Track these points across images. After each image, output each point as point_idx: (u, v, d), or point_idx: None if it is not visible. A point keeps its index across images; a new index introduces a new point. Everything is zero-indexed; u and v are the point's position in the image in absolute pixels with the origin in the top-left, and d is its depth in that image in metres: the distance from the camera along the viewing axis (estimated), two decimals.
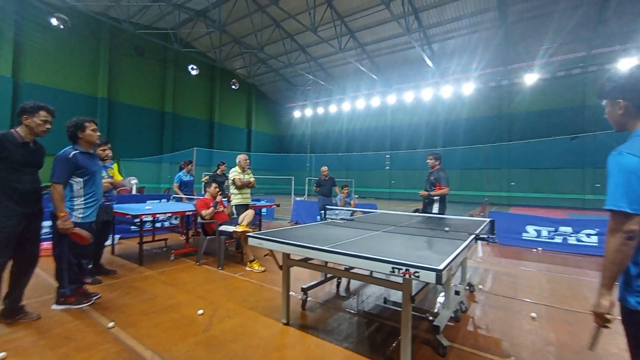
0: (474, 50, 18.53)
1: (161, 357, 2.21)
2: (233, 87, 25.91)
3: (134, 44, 19.52)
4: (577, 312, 3.16)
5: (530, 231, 6.49)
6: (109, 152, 4.04)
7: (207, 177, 7.01)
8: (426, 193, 5.07)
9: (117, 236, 5.58)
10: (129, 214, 4.35)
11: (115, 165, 4.44)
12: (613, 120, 1.46)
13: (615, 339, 2.51)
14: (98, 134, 3.16)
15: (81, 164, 2.93)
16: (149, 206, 5.36)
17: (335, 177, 8.07)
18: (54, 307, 2.95)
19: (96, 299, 3.14)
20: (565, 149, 16.14)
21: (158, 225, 6.98)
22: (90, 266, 3.78)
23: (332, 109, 25.95)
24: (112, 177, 4.07)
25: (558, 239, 6.21)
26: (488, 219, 3.54)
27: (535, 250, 6.22)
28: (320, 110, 27.05)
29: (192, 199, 6.54)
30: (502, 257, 5.60)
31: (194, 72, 22.09)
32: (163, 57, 21.26)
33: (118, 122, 18.89)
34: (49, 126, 2.73)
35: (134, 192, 11.52)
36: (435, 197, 5.01)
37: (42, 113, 2.67)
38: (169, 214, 6.07)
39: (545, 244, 6.29)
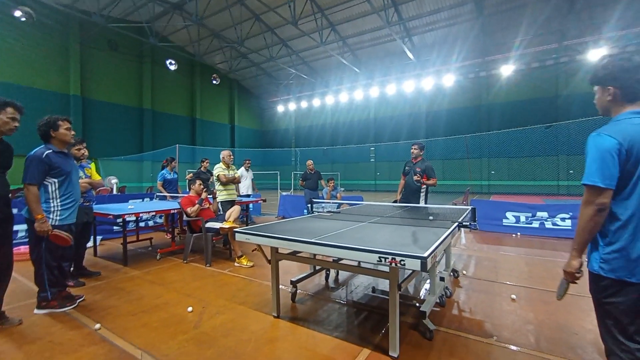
0: (452, 42, 18.84)
1: (151, 355, 2.20)
2: (214, 82, 25.33)
3: (106, 38, 18.66)
4: (553, 292, 3.34)
5: (510, 217, 6.76)
6: (84, 152, 3.88)
7: (191, 174, 6.88)
8: (419, 177, 4.90)
9: (98, 237, 5.42)
10: (110, 214, 4.23)
11: (92, 165, 4.29)
12: (601, 106, 1.59)
13: (589, 315, 2.68)
14: (72, 132, 3.03)
15: (55, 164, 2.81)
16: (132, 206, 5.22)
17: (321, 170, 8.10)
18: (37, 311, 2.86)
19: (80, 301, 3.07)
20: (540, 137, 16.79)
21: (142, 224, 6.82)
22: (72, 269, 3.67)
23: (316, 102, 25.84)
24: (89, 177, 3.94)
25: (535, 224, 6.51)
26: (470, 207, 3.66)
27: (514, 235, 6.50)
28: (304, 104, 26.89)
29: (177, 197, 6.42)
30: (484, 243, 5.82)
31: (172, 67, 21.41)
32: (139, 52, 20.45)
33: (93, 120, 18.11)
34: (16, 124, 2.54)
35: (114, 192, 11.16)
36: (422, 189, 4.98)
37: (9, 110, 2.48)
38: (153, 213, 5.93)
39: (523, 229, 6.58)
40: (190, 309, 2.91)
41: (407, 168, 5.20)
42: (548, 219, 6.41)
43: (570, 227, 6.15)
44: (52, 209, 2.82)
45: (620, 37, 15.25)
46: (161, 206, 5.29)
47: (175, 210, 5.19)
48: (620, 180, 1.39)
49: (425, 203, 5.02)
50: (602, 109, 1.60)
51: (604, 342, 1.47)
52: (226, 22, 19.11)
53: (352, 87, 23.80)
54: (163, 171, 6.79)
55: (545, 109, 17.72)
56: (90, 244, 4.80)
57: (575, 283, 1.55)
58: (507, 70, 17.90)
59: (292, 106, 27.78)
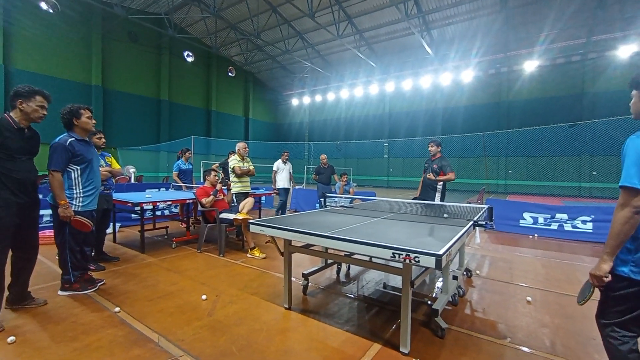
0: (473, 36, 18.25)
1: (168, 339, 2.27)
2: (230, 74, 25.57)
3: (127, 29, 19.06)
4: (571, 296, 3.25)
5: (527, 218, 6.58)
6: (104, 140, 4.01)
7: (216, 164, 6.99)
8: (434, 176, 4.91)
9: (117, 224, 5.60)
10: (129, 202, 4.36)
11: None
12: (636, 111, 1.60)
13: None
14: (93, 121, 3.12)
15: (78, 152, 2.90)
16: (149, 194, 5.37)
17: (334, 165, 8.09)
18: (60, 293, 3.00)
19: (101, 285, 3.20)
20: (563, 136, 16.13)
21: (158, 213, 7.01)
22: (93, 254, 3.82)
23: (330, 96, 25.69)
24: (110, 165, 4.07)
25: (554, 226, 6.31)
26: (486, 206, 3.58)
27: (531, 236, 6.32)
28: (318, 98, 26.78)
29: (192, 187, 6.55)
30: (499, 244, 5.70)
31: (189, 59, 21.73)
32: (157, 44, 20.79)
33: (113, 111, 18.62)
34: (44, 112, 2.61)
35: (132, 180, 11.50)
36: (438, 187, 4.97)
37: (38, 98, 2.55)
38: (169, 202, 6.08)
39: (541, 231, 6.39)
40: (204, 297, 2.99)
41: (426, 165, 5.24)
42: (568, 221, 6.20)
43: (591, 231, 5.93)
44: (74, 196, 2.93)
45: None
46: (177, 196, 5.41)
47: (191, 201, 5.30)
48: None
49: (442, 200, 4.98)
50: (637, 114, 1.60)
51: (598, 320, 1.59)
52: (243, 14, 19.15)
53: (367, 82, 23.50)
54: (178, 162, 6.93)
55: (570, 107, 16.99)
56: (109, 230, 4.97)
57: (601, 288, 1.54)
58: (530, 66, 17.24)
59: (306, 100, 27.72)
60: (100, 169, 3.46)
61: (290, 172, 7.49)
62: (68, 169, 2.91)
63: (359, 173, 24.33)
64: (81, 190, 2.96)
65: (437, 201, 4.92)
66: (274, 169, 7.40)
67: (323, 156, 7.76)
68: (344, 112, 26.67)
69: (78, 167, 2.95)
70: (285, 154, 7.53)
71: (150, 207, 5.27)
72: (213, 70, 24.43)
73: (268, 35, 21.04)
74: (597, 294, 1.59)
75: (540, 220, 6.44)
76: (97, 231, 3.81)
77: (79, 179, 2.96)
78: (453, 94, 20.69)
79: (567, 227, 6.18)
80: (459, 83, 19.84)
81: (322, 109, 27.96)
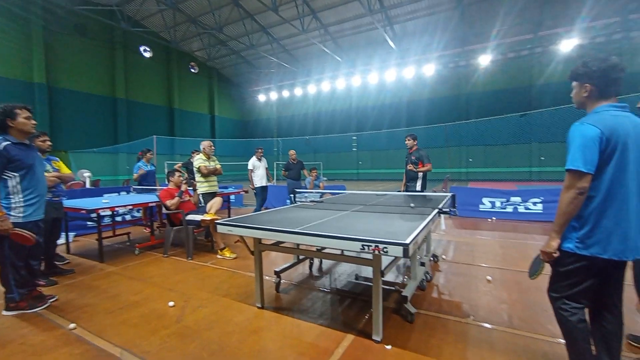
0: (433, 31, 18.93)
1: (132, 353, 2.14)
2: (192, 70, 24.47)
3: (73, 22, 17.46)
4: (525, 272, 3.50)
5: (486, 203, 7.02)
6: (49, 143, 3.63)
7: (179, 165, 6.63)
8: (414, 168, 5.19)
9: (71, 234, 5.19)
10: (83, 209, 4.04)
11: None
12: (577, 100, 1.72)
13: None
14: (33, 122, 2.82)
15: (15, 157, 2.61)
16: (106, 200, 5.01)
17: (304, 160, 8.05)
18: (5, 313, 2.72)
19: (52, 301, 2.93)
20: (515, 126, 17.39)
21: (119, 219, 6.57)
22: (42, 268, 3.50)
23: (298, 92, 25.48)
24: (58, 170, 3.72)
25: (509, 209, 6.80)
26: (449, 194, 3.76)
27: (490, 220, 6.76)
28: (286, 93, 26.45)
29: (155, 189, 6.21)
30: (462, 229, 6.03)
31: (147, 55, 20.48)
32: (110, 38, 19.29)
33: (61, 111, 17.05)
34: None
35: (87, 185, 10.67)
36: (419, 176, 5.24)
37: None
38: (130, 207, 5.72)
39: (498, 214, 6.86)
40: (171, 303, 2.86)
41: (406, 159, 5.45)
42: (521, 204, 6.70)
43: (541, 211, 6.47)
44: (13, 205, 2.64)
45: (590, 28, 15.86)
46: (138, 199, 5.10)
47: (154, 204, 5.03)
48: (597, 167, 1.50)
49: (423, 188, 5.26)
50: (578, 103, 1.73)
51: (550, 294, 1.72)
52: (203, 6, 18.32)
53: (334, 76, 23.58)
54: (139, 163, 6.53)
55: (520, 98, 18.30)
56: (61, 240, 4.59)
57: (552, 264, 1.67)
58: (485, 60, 18.27)
59: (273, 95, 27.27)
60: (46, 174, 3.16)
61: (266, 169, 7.33)
62: (4, 176, 2.61)
63: (329, 167, 24.50)
64: (21, 199, 2.68)
65: (418, 189, 5.20)
66: (250, 167, 7.17)
67: (292, 152, 7.69)
68: (311, 107, 26.63)
69: (16, 174, 2.65)
70: (260, 150, 7.31)
71: (109, 212, 4.91)
72: (174, 66, 23.19)
73: (231, 29, 20.33)
74: (547, 269, 1.73)
75: (498, 204, 6.91)
76: (46, 243, 3.49)
77: (18, 186, 2.67)
78: (416, 87, 21.42)
79: (521, 209, 6.69)
80: (421, 77, 20.55)
81: (290, 104, 27.70)
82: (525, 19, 17.02)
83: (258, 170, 7.14)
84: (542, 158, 17.38)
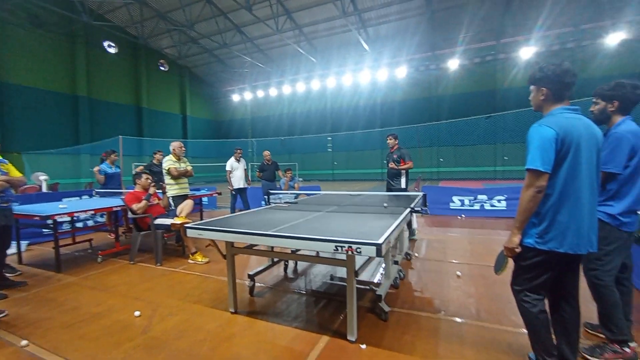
0: (404, 35, 19.50)
1: None
2: (162, 68, 23.50)
3: (26, 11, 16.13)
4: (491, 267, 3.68)
5: (456, 201, 7.32)
6: None
7: (141, 167, 6.32)
8: (396, 166, 5.34)
9: (24, 242, 4.77)
10: (36, 216, 3.73)
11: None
12: (534, 103, 1.82)
13: None
14: None
15: None
16: (64, 205, 4.66)
17: (279, 161, 7.96)
18: None
19: (2, 317, 2.68)
20: (481, 127, 18.35)
21: (80, 225, 6.15)
22: None
23: (272, 92, 25.22)
24: (7, 173, 3.40)
25: (477, 206, 7.13)
26: (421, 193, 3.87)
27: (459, 217, 7.05)
28: (260, 93, 26.08)
29: (120, 192, 5.87)
30: (434, 226, 6.23)
31: (111, 50, 19.39)
32: (70, 31, 17.97)
33: (12, 109, 15.61)
34: None
35: (44, 189, 9.90)
36: (402, 172, 5.37)
37: None
38: (92, 212, 5.37)
39: (467, 211, 7.18)
40: (137, 313, 2.70)
41: (387, 158, 5.57)
42: (487, 201, 7.06)
43: (505, 208, 6.84)
44: None
45: (545, 37, 17.08)
46: (101, 204, 4.79)
47: (119, 208, 4.74)
48: (553, 166, 1.59)
49: (407, 184, 5.39)
50: (535, 106, 1.83)
51: (513, 287, 1.82)
52: (173, 2, 17.63)
53: (308, 77, 23.59)
54: (102, 165, 6.15)
55: (486, 101, 19.32)
56: (12, 250, 4.21)
57: (514, 258, 1.75)
58: (453, 64, 19.09)
59: (248, 95, 26.80)
60: None
61: (245, 170, 7.20)
62: None
63: (305, 168, 24.46)
64: None
65: (403, 186, 5.32)
66: (228, 168, 7.05)
67: (266, 152, 7.59)
68: (286, 107, 26.45)
69: None
70: (239, 151, 7.22)
71: (67, 218, 4.56)
72: (142, 63, 22.06)
73: (203, 27, 19.73)
74: (511, 264, 1.81)
75: (466, 202, 7.23)
76: None
77: None
78: (390, 89, 21.94)
79: (487, 206, 7.04)
80: (394, 79, 21.10)
81: (265, 104, 27.35)
82: (489, 27, 17.99)
83: (236, 172, 7.05)
84: (506, 158, 18.45)
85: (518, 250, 1.70)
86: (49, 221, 3.74)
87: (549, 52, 17.19)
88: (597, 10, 15.79)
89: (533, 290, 1.73)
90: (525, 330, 1.81)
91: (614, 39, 15.51)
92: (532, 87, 1.80)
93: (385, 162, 5.64)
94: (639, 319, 2.40)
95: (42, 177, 10.00)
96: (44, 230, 5.42)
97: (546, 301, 1.79)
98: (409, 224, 5.36)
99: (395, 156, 5.39)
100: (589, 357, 1.97)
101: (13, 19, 15.67)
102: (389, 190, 5.43)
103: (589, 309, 2.56)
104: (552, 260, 1.65)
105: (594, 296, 2.03)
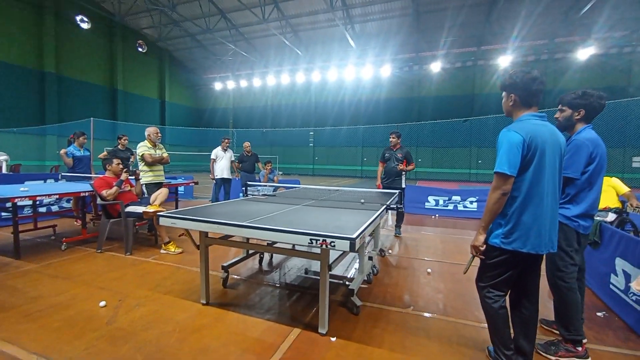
0: (388, 34, 19.69)
1: (50, 359, 1.91)
2: (140, 49, 22.45)
3: None
4: (459, 264, 3.86)
5: (431, 201, 7.56)
6: None
7: (105, 152, 6.03)
8: (402, 166, 5.18)
9: None
10: None
11: None
12: (505, 109, 1.90)
13: None
14: None
15: None
16: (26, 187, 4.37)
17: (259, 153, 7.87)
18: None
19: None
20: (459, 130, 18.99)
21: (43, 210, 5.80)
22: None
23: (256, 82, 24.78)
24: None
25: (450, 207, 7.40)
26: (397, 192, 3.96)
27: (433, 217, 7.29)
28: (244, 83, 25.54)
29: (89, 177, 5.58)
30: (409, 225, 6.40)
31: (84, 26, 18.23)
32: (37, 1, 16.72)
33: None
34: None
35: (3, 171, 9.24)
36: (404, 172, 5.29)
37: None
38: (56, 197, 5.08)
39: (441, 211, 7.43)
40: (102, 303, 2.60)
41: (387, 155, 5.38)
42: (460, 202, 7.34)
43: (476, 209, 7.14)
44: None
45: (520, 47, 17.85)
46: (67, 188, 4.54)
47: (87, 193, 4.52)
48: (519, 169, 1.67)
49: (405, 184, 5.36)
50: (505, 111, 1.92)
51: (477, 283, 1.92)
52: None
53: (293, 70, 23.34)
54: (70, 147, 5.82)
55: (464, 105, 19.99)
56: None
57: (480, 257, 1.84)
58: (435, 67, 19.54)
59: (230, 84, 26.14)
60: None
61: (231, 161, 7.04)
62: None
63: (285, 161, 24.33)
64: None
65: (403, 185, 5.29)
66: (212, 157, 6.89)
67: (246, 144, 7.46)
68: (270, 99, 26.10)
69: None
70: (226, 140, 7.06)
71: (28, 202, 4.30)
72: (118, 42, 20.92)
73: (185, 9, 18.96)
74: (477, 262, 1.90)
75: (441, 202, 7.48)
76: None
77: None
78: (374, 87, 22.17)
79: (460, 207, 7.32)
80: (378, 77, 21.33)
81: (248, 95, 26.84)
82: (470, 33, 18.54)
83: (221, 161, 6.91)
84: (480, 161, 19.21)
85: (482, 248, 1.79)
86: (8, 204, 3.51)
87: (524, 62, 18.00)
88: (569, 25, 16.67)
89: (496, 287, 1.82)
90: (486, 325, 1.91)
91: (584, 53, 16.46)
92: (503, 93, 1.88)
93: (383, 159, 5.42)
94: (589, 316, 2.59)
95: (2, 157, 9.32)
96: (2, 213, 5.07)
97: (507, 298, 1.89)
98: (398, 221, 5.41)
99: (399, 155, 5.22)
100: (543, 354, 2.08)
101: None
102: (388, 189, 5.31)
103: (545, 306, 2.75)
104: (515, 259, 1.75)
105: (556, 297, 2.13)
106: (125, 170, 4.54)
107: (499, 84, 1.89)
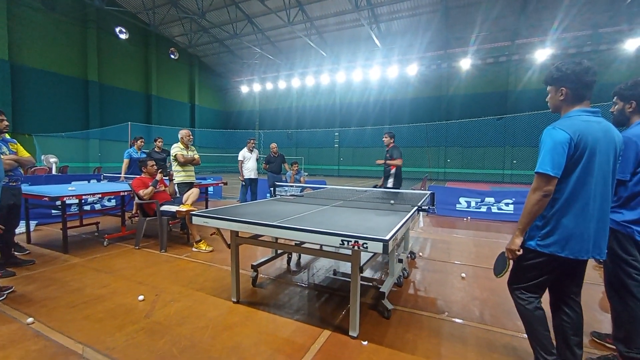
0: (416, 32, 19.19)
1: (95, 349, 2.02)
2: (172, 56, 23.55)
3: None
4: None
5: (462, 202, 7.24)
6: (6, 123, 3.31)
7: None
8: (381, 161, 5.44)
9: (33, 222, 4.85)
10: (45, 196, 3.76)
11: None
12: (552, 104, 1.74)
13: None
14: None
15: None
16: (73, 187, 4.70)
17: (285, 154, 7.95)
18: None
19: (9, 293, 2.73)
20: (491, 129, 18.08)
21: (87, 208, 6.23)
22: None
23: (281, 84, 25.13)
24: (15, 153, 3.42)
25: (483, 209, 7.04)
26: (429, 192, 3.82)
27: (465, 219, 6.97)
28: (269, 85, 26.00)
29: (128, 177, 5.92)
30: (439, 227, 6.18)
31: (122, 36, 19.44)
32: (82, 16, 18.05)
33: (25, 90, 15.79)
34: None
35: (54, 172, 10.04)
36: (391, 172, 5.38)
37: None
38: (99, 196, 5.42)
39: (473, 213, 7.09)
40: (141, 297, 2.72)
41: (387, 156, 5.60)
42: (494, 204, 6.96)
43: (512, 212, 6.74)
44: None
45: (561, 39, 16.68)
46: (109, 188, 4.83)
47: (126, 193, 4.78)
48: (563, 170, 1.54)
49: (395, 184, 5.40)
50: (553, 107, 1.75)
51: (509, 285, 1.83)
52: None
53: (318, 71, 23.42)
54: (130, 149, 6.41)
55: (497, 102, 18.99)
56: (21, 229, 4.28)
57: (515, 260, 1.73)
58: (465, 64, 18.77)
59: (256, 87, 26.75)
60: (2, 157, 2.90)
61: (257, 161, 7.23)
62: None
63: (311, 162, 24.45)
64: None
65: (389, 185, 5.32)
66: (240, 158, 7.05)
67: (273, 145, 7.57)
68: (295, 101, 26.36)
69: None
70: (252, 141, 7.17)
71: (75, 201, 4.62)
72: (152, 50, 22.11)
73: (214, 16, 19.66)
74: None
75: (473, 204, 7.14)
76: (3, 231, 3.23)
77: None
78: (400, 86, 21.68)
79: (494, 209, 6.95)
80: (405, 76, 20.83)
81: (273, 97, 27.29)
82: (503, 27, 17.61)
83: (248, 162, 7.05)
84: (515, 161, 18.18)
85: (519, 252, 1.68)
86: (58, 202, 3.78)
87: (565, 55, 16.79)
88: (615, 14, 15.36)
89: (529, 289, 1.73)
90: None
91: (632, 44, 15.09)
92: (549, 88, 1.73)
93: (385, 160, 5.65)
94: None
95: (53, 159, 10.14)
96: (52, 211, 5.49)
97: (549, 304, 1.77)
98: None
99: (387, 155, 5.45)
100: None
101: (25, 1, 15.72)
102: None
103: (596, 318, 2.52)
104: (552, 263, 1.63)
105: (618, 309, 1.90)
106: (159, 170, 4.75)
107: (544, 77, 1.75)
